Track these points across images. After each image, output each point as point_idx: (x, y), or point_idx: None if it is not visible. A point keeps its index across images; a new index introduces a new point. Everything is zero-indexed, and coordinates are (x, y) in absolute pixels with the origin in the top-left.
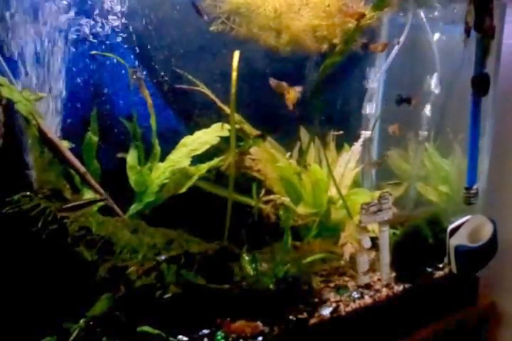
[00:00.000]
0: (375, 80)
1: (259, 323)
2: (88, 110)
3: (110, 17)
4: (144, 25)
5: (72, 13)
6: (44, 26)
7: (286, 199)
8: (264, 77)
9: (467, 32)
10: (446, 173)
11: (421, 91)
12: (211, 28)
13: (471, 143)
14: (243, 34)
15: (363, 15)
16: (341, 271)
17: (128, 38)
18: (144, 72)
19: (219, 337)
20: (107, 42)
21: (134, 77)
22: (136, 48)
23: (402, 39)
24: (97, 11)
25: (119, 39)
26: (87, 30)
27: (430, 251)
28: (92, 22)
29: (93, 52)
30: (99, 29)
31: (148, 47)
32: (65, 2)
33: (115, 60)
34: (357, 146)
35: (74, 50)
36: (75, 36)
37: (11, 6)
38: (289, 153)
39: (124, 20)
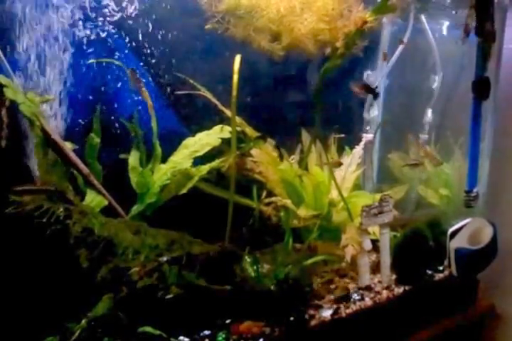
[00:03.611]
0: (377, 84)
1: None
2: (90, 111)
3: (113, 18)
4: (146, 27)
5: (74, 15)
6: (47, 28)
7: (288, 202)
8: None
9: (466, 32)
10: (447, 176)
11: (422, 94)
12: (207, 27)
13: (472, 146)
14: (245, 37)
15: (365, 22)
16: (342, 272)
17: (130, 39)
18: (146, 74)
19: (220, 338)
20: (110, 43)
21: (134, 78)
22: (138, 50)
23: (405, 40)
24: (99, 12)
25: (121, 41)
26: (89, 32)
27: (430, 253)
28: (95, 23)
29: (92, 60)
30: (101, 30)
31: (151, 49)
32: (66, 3)
33: (117, 62)
34: (358, 149)
35: (76, 51)
36: (77, 37)
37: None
38: (292, 156)
39: (126, 22)
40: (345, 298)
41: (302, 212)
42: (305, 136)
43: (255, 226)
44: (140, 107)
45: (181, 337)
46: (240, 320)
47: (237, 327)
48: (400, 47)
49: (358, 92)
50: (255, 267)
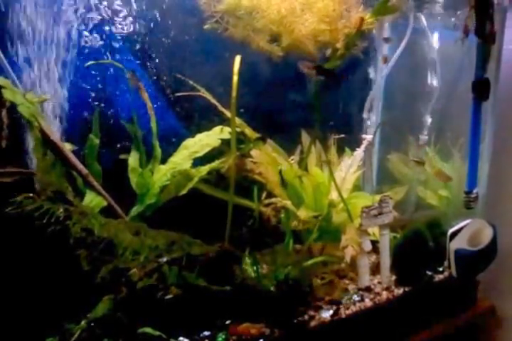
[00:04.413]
0: (376, 85)
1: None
2: (90, 112)
3: (112, 20)
4: (146, 28)
5: (74, 16)
6: (47, 29)
7: (288, 203)
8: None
9: (465, 32)
10: None
11: (422, 94)
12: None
13: (472, 147)
14: (244, 37)
15: (363, 20)
16: (342, 273)
17: (130, 41)
18: (146, 76)
19: (220, 339)
20: (109, 45)
21: (133, 80)
22: (138, 52)
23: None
24: (99, 14)
25: (121, 42)
26: (89, 33)
27: (430, 254)
28: (95, 25)
29: (90, 63)
30: (101, 32)
31: (150, 50)
32: (67, 5)
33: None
34: (359, 152)
35: (76, 52)
36: (77, 38)
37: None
38: (292, 157)
39: (126, 24)
40: (338, 302)
41: (302, 213)
42: (305, 137)
43: (255, 227)
44: (139, 108)
45: (181, 338)
46: (240, 321)
47: (235, 328)
48: (399, 50)
49: (309, 73)
50: (255, 268)
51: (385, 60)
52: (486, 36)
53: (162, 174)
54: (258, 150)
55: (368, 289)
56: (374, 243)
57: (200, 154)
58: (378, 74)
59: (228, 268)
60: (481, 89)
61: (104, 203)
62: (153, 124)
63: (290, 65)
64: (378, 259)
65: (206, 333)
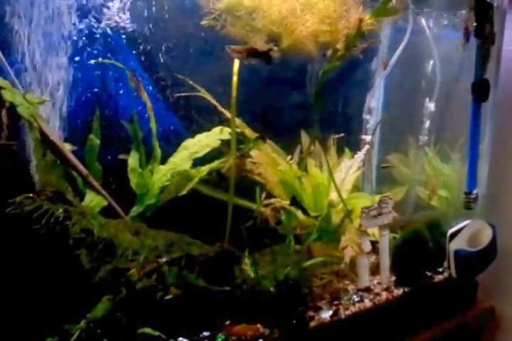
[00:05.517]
0: (376, 85)
1: (259, 326)
2: (90, 112)
3: (112, 20)
4: (146, 28)
5: (74, 16)
6: (46, 28)
7: (287, 203)
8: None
9: (466, 36)
10: (446, 178)
11: (422, 95)
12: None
13: (471, 148)
14: (243, 37)
15: (362, 21)
16: (341, 274)
17: (130, 41)
18: (146, 76)
19: (219, 340)
20: (109, 45)
21: (133, 80)
22: (138, 52)
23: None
24: (98, 14)
25: (121, 42)
26: (89, 33)
27: (430, 255)
28: (94, 25)
29: (92, 61)
30: (101, 32)
31: (150, 50)
32: (66, 4)
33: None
34: (360, 154)
35: (76, 52)
36: (77, 39)
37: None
38: (289, 157)
39: (126, 23)
40: (337, 303)
41: (302, 214)
42: (304, 137)
43: (255, 227)
44: (139, 108)
45: (180, 338)
46: (239, 322)
47: (231, 329)
48: (398, 51)
49: (239, 57)
50: (254, 268)
51: (385, 65)
52: (485, 37)
53: (162, 174)
54: (258, 150)
55: (368, 289)
56: (374, 243)
57: (200, 154)
58: (378, 74)
59: (228, 268)
60: (481, 90)
61: (105, 203)
62: (153, 124)
63: (290, 65)
64: (378, 260)
65: (206, 333)
